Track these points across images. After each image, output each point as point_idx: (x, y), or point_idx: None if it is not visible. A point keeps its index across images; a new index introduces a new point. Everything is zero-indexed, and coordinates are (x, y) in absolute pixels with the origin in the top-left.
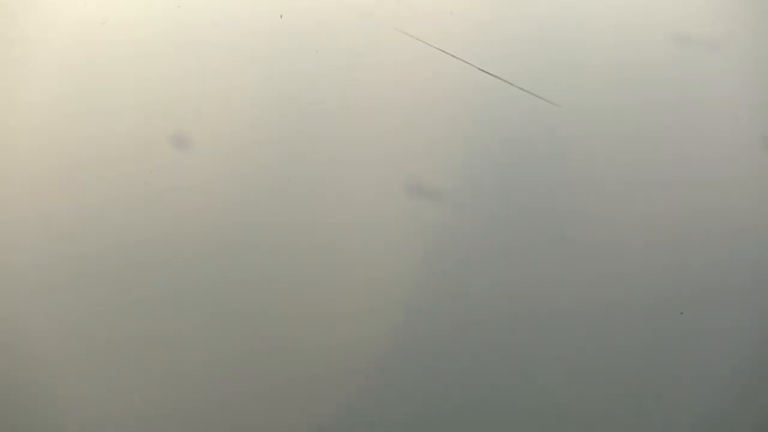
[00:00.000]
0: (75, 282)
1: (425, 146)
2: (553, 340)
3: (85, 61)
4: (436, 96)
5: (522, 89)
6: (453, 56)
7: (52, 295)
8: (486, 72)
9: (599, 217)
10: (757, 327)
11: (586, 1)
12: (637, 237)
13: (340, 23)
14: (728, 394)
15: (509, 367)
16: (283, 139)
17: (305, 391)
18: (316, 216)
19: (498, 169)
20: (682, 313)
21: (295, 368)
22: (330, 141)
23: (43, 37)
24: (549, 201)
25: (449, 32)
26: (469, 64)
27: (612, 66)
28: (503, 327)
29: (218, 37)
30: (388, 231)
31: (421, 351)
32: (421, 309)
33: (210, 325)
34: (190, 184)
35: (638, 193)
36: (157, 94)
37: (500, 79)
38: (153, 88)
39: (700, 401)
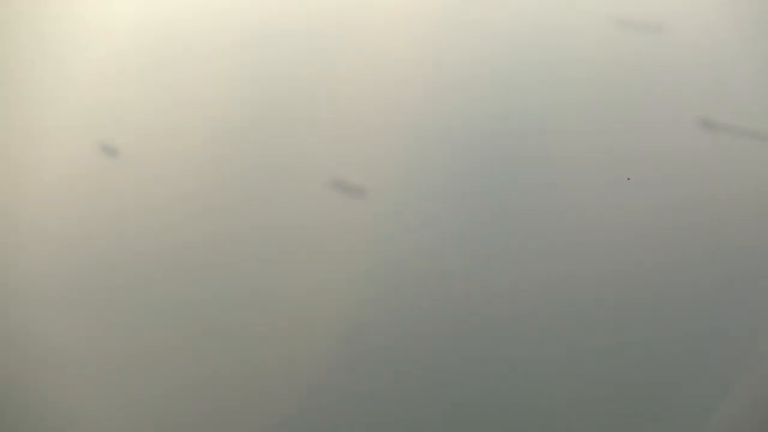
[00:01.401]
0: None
1: (369, 142)
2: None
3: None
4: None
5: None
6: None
7: None
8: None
9: (536, 210)
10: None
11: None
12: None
13: (260, 27)
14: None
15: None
16: (214, 141)
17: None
18: (244, 218)
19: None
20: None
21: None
22: (260, 142)
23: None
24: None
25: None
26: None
27: (554, 50)
28: (456, 331)
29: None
30: (317, 230)
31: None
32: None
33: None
34: (120, 191)
35: (575, 178)
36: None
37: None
38: (89, 97)
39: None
